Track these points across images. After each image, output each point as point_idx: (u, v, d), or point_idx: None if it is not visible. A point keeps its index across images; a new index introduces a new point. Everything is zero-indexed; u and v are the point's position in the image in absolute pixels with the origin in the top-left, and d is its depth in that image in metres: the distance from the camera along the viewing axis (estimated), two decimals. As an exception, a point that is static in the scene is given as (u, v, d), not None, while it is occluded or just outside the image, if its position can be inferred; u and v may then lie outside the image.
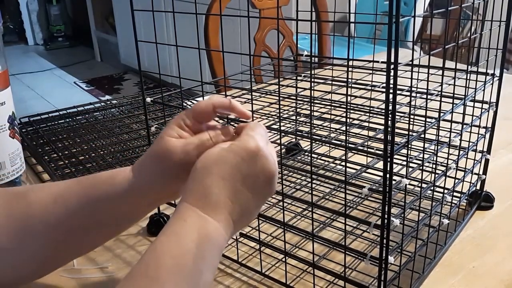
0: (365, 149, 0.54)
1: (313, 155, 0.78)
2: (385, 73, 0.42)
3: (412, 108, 0.52)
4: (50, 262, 0.53)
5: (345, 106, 0.53)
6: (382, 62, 0.77)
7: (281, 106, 0.57)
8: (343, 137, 0.72)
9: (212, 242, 0.42)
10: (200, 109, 0.51)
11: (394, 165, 0.46)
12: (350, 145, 0.52)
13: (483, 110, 0.66)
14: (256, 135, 0.47)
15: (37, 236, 0.50)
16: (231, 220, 0.44)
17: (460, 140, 0.61)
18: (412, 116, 0.52)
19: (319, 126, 0.75)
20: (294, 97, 0.74)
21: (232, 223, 0.44)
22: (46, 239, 0.51)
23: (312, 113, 0.62)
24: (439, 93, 0.54)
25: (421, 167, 0.54)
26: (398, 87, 0.43)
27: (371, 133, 0.68)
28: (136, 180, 0.50)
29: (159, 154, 0.50)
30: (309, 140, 0.55)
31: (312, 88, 0.54)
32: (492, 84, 0.67)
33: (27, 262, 0.51)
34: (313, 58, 0.84)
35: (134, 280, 0.39)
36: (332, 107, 0.71)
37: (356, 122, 0.70)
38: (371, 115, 0.69)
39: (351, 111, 0.69)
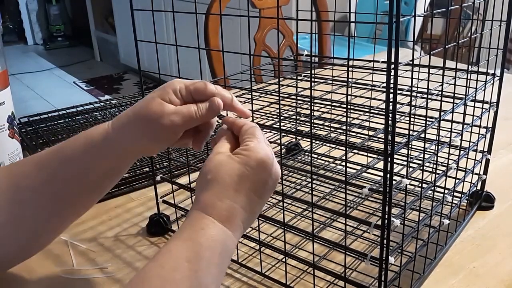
0: (366, 148, 0.54)
1: (313, 155, 0.78)
2: (385, 73, 0.42)
3: (412, 108, 0.52)
4: (45, 230, 0.55)
5: (345, 106, 0.53)
6: (383, 62, 0.77)
7: (281, 106, 0.57)
8: (343, 137, 0.72)
9: (225, 250, 0.44)
10: (202, 91, 0.51)
11: (395, 165, 0.46)
12: (350, 144, 0.52)
13: (483, 110, 0.66)
14: (260, 141, 0.48)
15: (26, 204, 0.52)
16: (242, 227, 0.46)
17: (461, 140, 0.61)
18: (412, 116, 0.52)
19: (319, 126, 0.74)
20: (294, 97, 0.74)
21: (242, 229, 0.46)
22: (35, 206, 0.52)
23: (312, 113, 0.61)
24: (440, 93, 0.54)
25: (421, 167, 0.54)
26: (399, 87, 0.43)
27: (372, 133, 0.68)
28: (117, 140, 0.51)
29: (149, 115, 0.50)
30: (309, 140, 0.55)
31: (312, 88, 0.54)
32: (492, 84, 0.66)
33: (24, 232, 0.53)
34: (313, 58, 0.84)
35: (148, 280, 0.40)
36: (332, 107, 0.71)
37: (356, 122, 0.70)
38: (371, 115, 0.69)
39: (351, 111, 0.69)
